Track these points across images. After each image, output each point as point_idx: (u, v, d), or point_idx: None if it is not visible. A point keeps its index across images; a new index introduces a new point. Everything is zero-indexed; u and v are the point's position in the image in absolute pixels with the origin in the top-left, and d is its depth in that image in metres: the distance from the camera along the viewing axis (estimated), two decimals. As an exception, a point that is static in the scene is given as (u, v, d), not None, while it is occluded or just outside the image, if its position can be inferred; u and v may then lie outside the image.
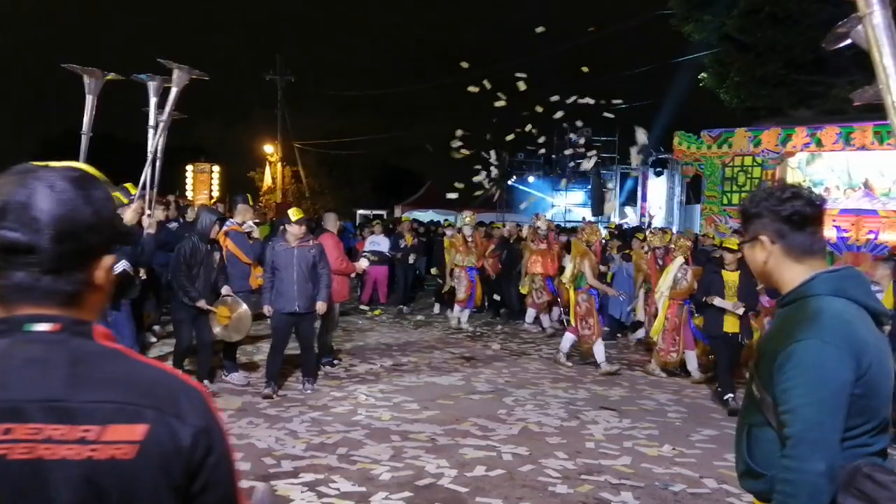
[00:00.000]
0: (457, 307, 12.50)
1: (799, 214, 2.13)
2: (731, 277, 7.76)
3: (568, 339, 9.69)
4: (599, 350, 9.32)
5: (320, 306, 7.90)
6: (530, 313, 12.29)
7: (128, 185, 7.26)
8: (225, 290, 7.51)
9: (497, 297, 13.77)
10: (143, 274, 7.14)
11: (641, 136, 12.24)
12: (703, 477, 5.57)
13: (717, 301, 7.66)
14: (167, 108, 6.38)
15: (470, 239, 12.50)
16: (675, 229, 18.34)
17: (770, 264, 2.22)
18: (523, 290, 12.18)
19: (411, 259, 14.59)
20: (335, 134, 37.41)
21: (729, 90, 19.07)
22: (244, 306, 7.51)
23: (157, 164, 6.72)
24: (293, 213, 7.81)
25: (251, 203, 9.67)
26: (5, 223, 1.18)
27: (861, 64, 15.96)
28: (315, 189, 36.64)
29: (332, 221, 9.86)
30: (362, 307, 14.27)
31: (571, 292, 9.63)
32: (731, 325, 7.67)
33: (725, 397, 7.61)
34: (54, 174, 1.22)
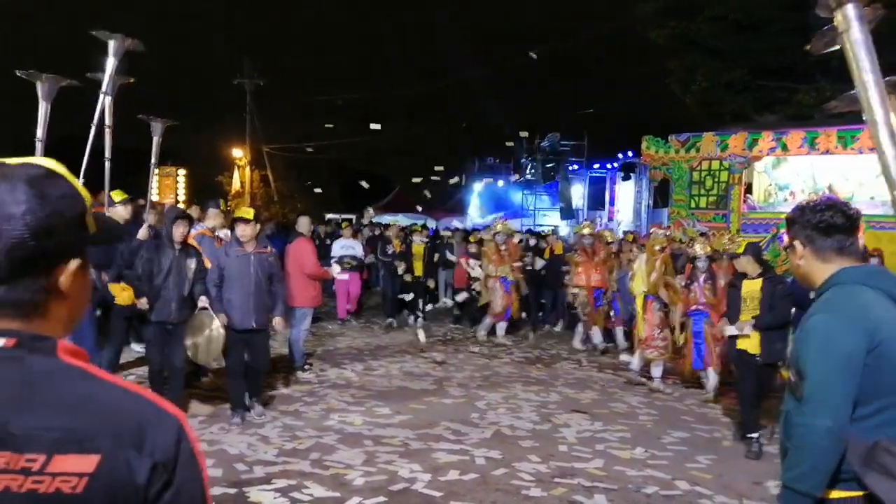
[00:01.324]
0: (487, 319, 11.73)
1: (826, 223, 2.35)
2: (750, 288, 6.62)
3: (636, 360, 9.05)
4: (659, 369, 8.80)
5: (279, 322, 7.17)
6: (579, 332, 11.42)
7: (115, 192, 7.23)
8: (202, 301, 6.48)
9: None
10: (105, 277, 7.00)
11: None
12: (676, 479, 5.61)
13: (727, 329, 6.77)
14: (106, 79, 6.26)
15: (503, 248, 11.67)
16: (642, 233, 18.53)
17: (804, 266, 2.45)
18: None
19: (400, 269, 13.32)
20: (305, 138, 37.29)
21: (695, 95, 19.30)
22: (217, 325, 6.42)
23: (153, 170, 6.64)
24: (243, 212, 6.96)
25: (223, 208, 9.54)
26: None
27: (825, 70, 16.30)
28: (283, 193, 36.47)
29: (305, 225, 9.73)
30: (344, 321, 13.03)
31: (640, 301, 8.96)
32: (749, 343, 6.50)
33: (748, 436, 6.36)
34: (6, 172, 1.11)
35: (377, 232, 16.44)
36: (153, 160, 7.71)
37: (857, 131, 11.23)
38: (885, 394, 2.14)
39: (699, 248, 8.39)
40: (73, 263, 1.15)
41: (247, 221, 6.72)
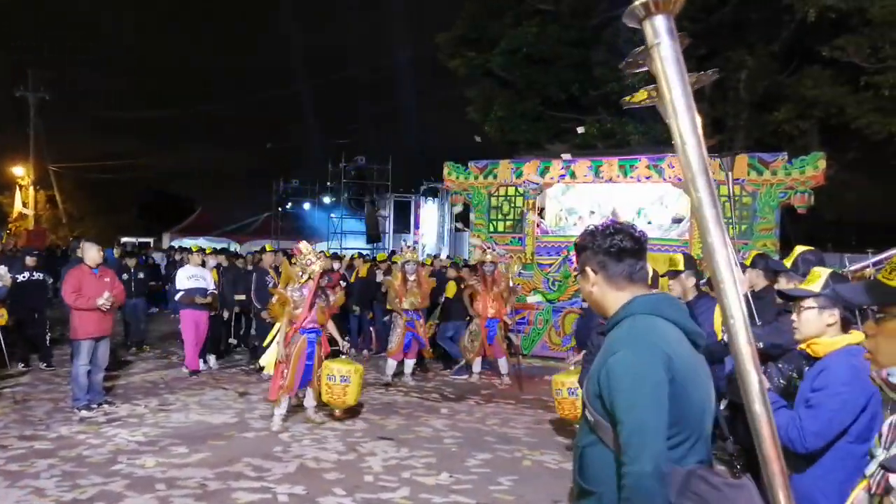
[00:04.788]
0: (389, 360, 10.59)
1: (617, 247, 2.31)
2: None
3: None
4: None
5: None
6: (477, 361, 10.97)
7: None
8: None
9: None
10: None
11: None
12: (480, 503, 5.73)
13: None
14: None
15: (412, 277, 10.55)
16: (444, 255, 19.06)
17: (596, 293, 2.38)
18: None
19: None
20: (99, 156, 35.09)
21: (492, 123, 20.13)
22: None
23: None
24: None
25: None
26: None
27: (606, 104, 17.58)
28: (73, 215, 34.02)
29: (91, 254, 8.43)
30: (186, 370, 10.77)
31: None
32: None
33: None
34: None
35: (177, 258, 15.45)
36: None
37: (635, 161, 12.22)
38: (684, 427, 2.12)
39: (317, 266, 7.98)
40: None
41: None
